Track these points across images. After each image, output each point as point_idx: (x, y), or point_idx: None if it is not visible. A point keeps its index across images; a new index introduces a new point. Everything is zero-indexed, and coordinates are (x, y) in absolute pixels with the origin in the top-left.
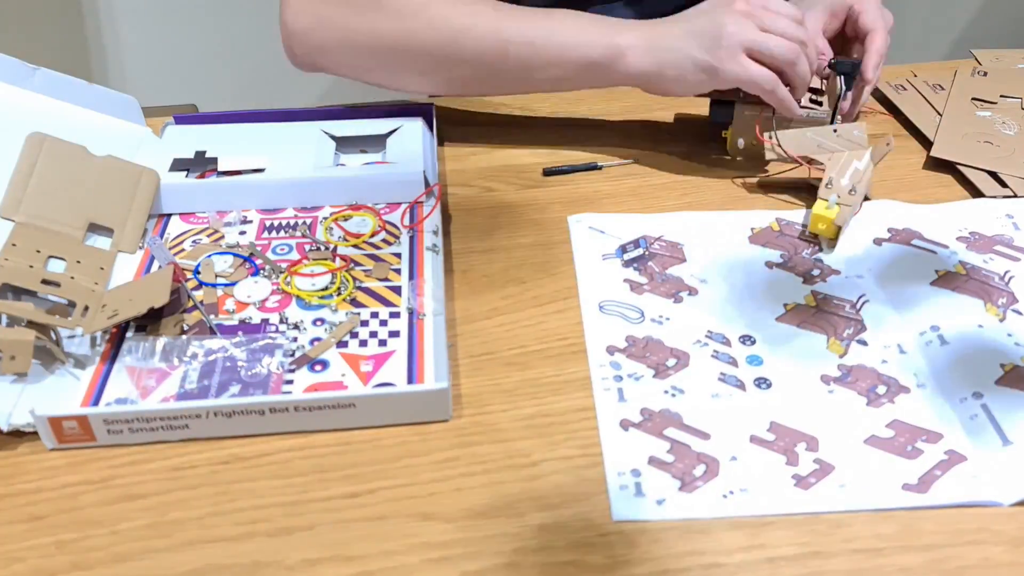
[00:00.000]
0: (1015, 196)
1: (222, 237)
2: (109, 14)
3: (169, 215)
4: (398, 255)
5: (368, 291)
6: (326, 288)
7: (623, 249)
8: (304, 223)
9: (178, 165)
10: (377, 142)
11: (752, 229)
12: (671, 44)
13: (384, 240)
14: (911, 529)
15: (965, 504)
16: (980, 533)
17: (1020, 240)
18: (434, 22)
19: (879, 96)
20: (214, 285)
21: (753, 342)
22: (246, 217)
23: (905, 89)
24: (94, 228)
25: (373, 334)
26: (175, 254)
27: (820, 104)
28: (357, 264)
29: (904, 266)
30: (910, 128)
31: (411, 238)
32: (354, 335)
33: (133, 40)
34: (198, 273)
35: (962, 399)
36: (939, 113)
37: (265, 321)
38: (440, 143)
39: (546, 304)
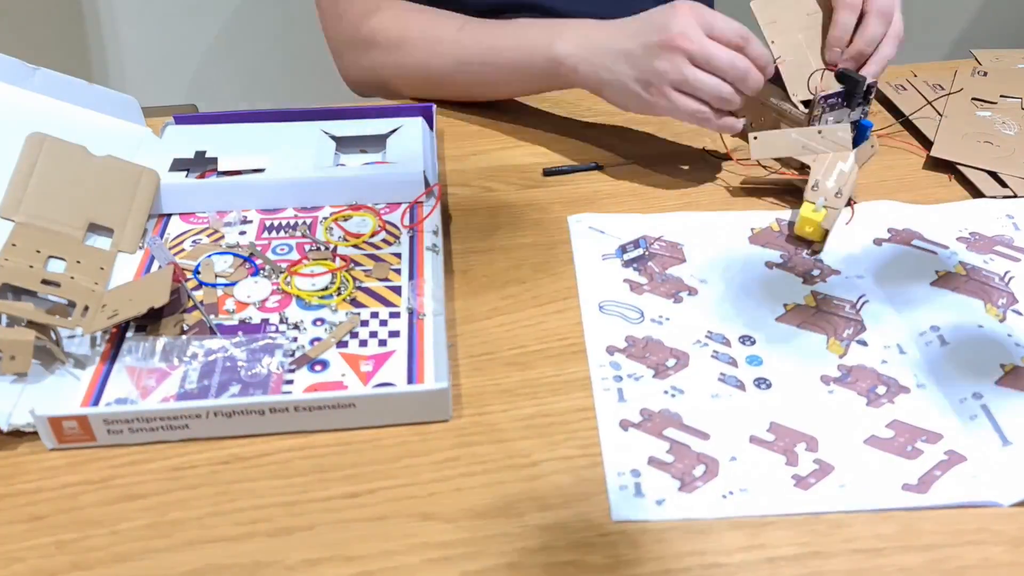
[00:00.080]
0: (1015, 196)
1: (222, 237)
2: (109, 14)
3: (169, 215)
4: (398, 255)
5: (368, 291)
6: (326, 288)
7: (623, 249)
8: (304, 223)
9: (178, 165)
10: (377, 142)
11: (752, 229)
12: (607, 63)
13: (384, 240)
14: (911, 529)
15: (965, 504)
16: (980, 533)
17: (1020, 240)
18: (408, 50)
19: (880, 97)
20: (214, 285)
21: (753, 342)
22: (246, 217)
23: (905, 89)
24: (94, 228)
25: (373, 334)
26: (175, 254)
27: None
28: (357, 264)
29: (904, 266)
30: (910, 128)
31: (411, 238)
32: (354, 335)
33: (133, 40)
34: (198, 273)
35: (962, 399)
36: (939, 113)
37: (265, 321)
38: (440, 143)
39: (546, 304)
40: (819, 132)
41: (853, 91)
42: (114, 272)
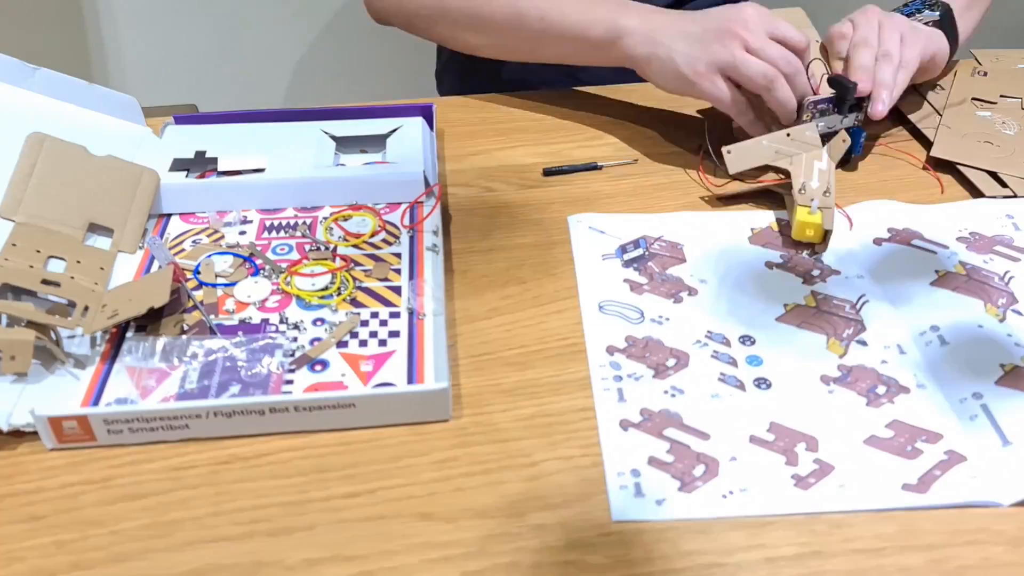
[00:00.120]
0: (1015, 196)
1: (222, 237)
2: (109, 14)
3: (169, 215)
4: (398, 255)
5: (368, 291)
6: (326, 288)
7: (623, 249)
8: (304, 223)
9: (178, 165)
10: (377, 142)
11: (752, 229)
12: (665, 40)
13: (384, 240)
14: (911, 529)
15: (964, 504)
16: (980, 533)
17: (1020, 240)
18: None
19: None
20: (214, 285)
21: (753, 342)
22: (246, 217)
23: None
24: (94, 228)
25: (373, 334)
26: (175, 254)
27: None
28: (357, 264)
29: (904, 266)
30: (910, 128)
31: (411, 238)
32: (354, 335)
33: (133, 40)
34: (198, 273)
35: (962, 399)
36: (939, 113)
37: (265, 321)
38: (440, 143)
39: (546, 304)
40: (788, 135)
41: (844, 97)
42: (114, 272)
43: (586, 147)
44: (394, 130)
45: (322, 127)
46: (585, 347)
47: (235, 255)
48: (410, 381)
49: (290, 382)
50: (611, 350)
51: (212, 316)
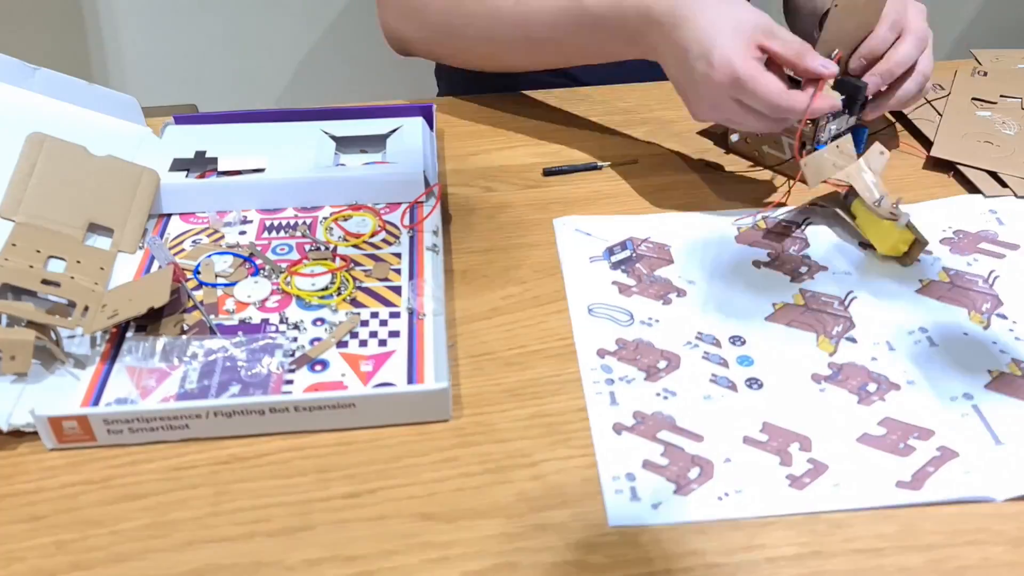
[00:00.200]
0: (1015, 196)
1: (222, 237)
2: (109, 14)
3: (169, 215)
4: (398, 255)
5: (368, 291)
6: (326, 288)
7: (610, 251)
8: (304, 223)
9: (178, 165)
10: (377, 142)
11: (738, 229)
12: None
13: (384, 240)
14: (911, 529)
15: (959, 500)
16: (980, 533)
17: (1005, 235)
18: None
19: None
20: (214, 285)
21: (743, 342)
22: (246, 217)
23: None
24: (94, 228)
25: (373, 334)
26: (175, 254)
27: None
28: (357, 264)
29: (889, 272)
30: (910, 128)
31: (411, 238)
32: (354, 335)
33: (133, 40)
34: (198, 273)
35: (952, 397)
36: (939, 113)
37: (265, 321)
38: (440, 143)
39: (546, 304)
40: (836, 146)
41: (855, 97)
42: (114, 272)
43: (586, 147)
44: (394, 130)
45: (322, 127)
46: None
47: (235, 255)
48: (410, 381)
49: (290, 382)
50: (602, 353)
51: (212, 316)
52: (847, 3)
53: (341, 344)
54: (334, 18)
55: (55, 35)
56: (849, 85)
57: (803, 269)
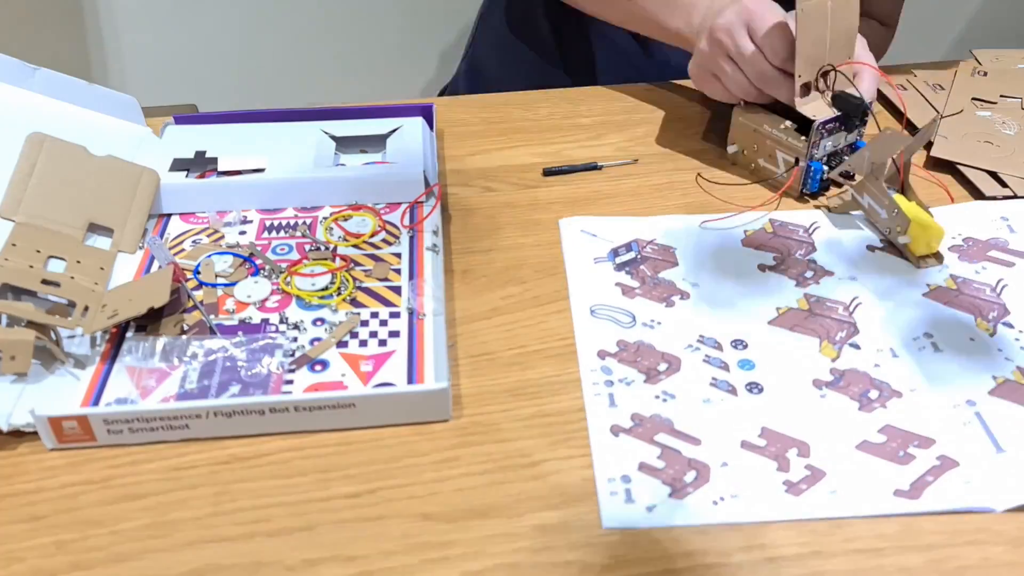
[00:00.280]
0: (1015, 196)
1: (222, 237)
2: (109, 14)
3: (169, 215)
4: (398, 255)
5: (368, 291)
6: (326, 288)
7: (615, 253)
8: (304, 223)
9: (178, 165)
10: (377, 142)
11: (745, 232)
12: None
13: (384, 240)
14: (911, 529)
15: (957, 511)
16: (980, 533)
17: (1015, 243)
18: None
19: (881, 97)
20: (214, 285)
21: (745, 346)
22: (246, 217)
23: (905, 89)
24: (94, 228)
25: (373, 334)
26: (175, 254)
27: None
28: (357, 264)
29: (896, 276)
30: (910, 129)
31: (411, 238)
32: (354, 335)
33: (133, 40)
34: (198, 273)
35: (955, 405)
36: (939, 113)
37: (265, 321)
38: (440, 143)
39: (546, 304)
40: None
41: (851, 113)
42: (114, 272)
43: (586, 147)
44: (394, 130)
45: (322, 127)
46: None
47: (235, 255)
48: (410, 381)
49: (290, 382)
50: (602, 354)
51: (212, 316)
52: (812, 7)
53: (341, 344)
54: (334, 18)
55: (55, 35)
56: (847, 101)
57: (808, 274)
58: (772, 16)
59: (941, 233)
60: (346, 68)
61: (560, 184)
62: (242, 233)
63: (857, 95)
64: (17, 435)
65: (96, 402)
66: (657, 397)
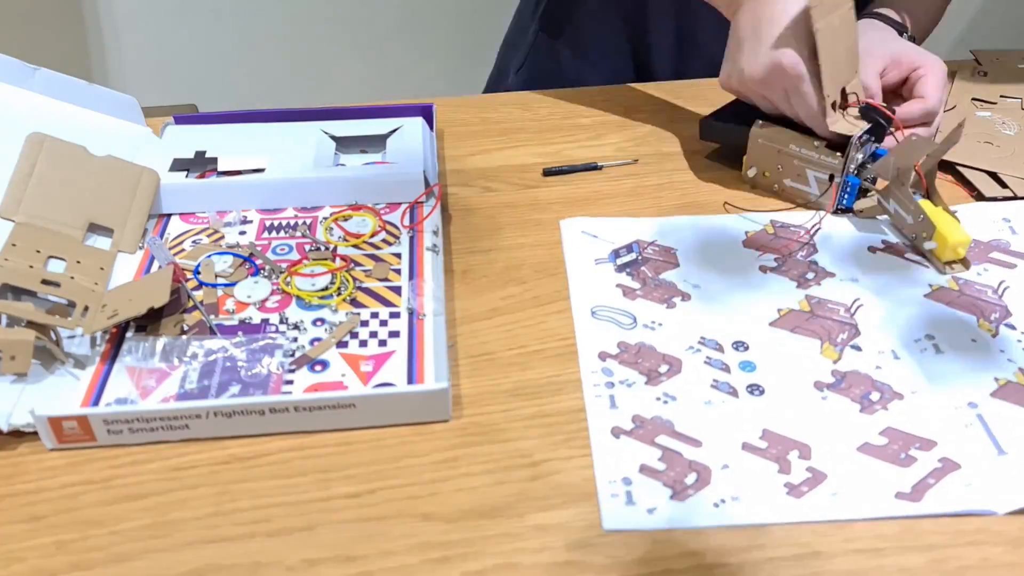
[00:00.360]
0: (1015, 196)
1: (222, 237)
2: (109, 14)
3: (169, 215)
4: (398, 255)
5: (368, 291)
6: (326, 288)
7: (616, 254)
8: (304, 223)
9: (178, 165)
10: (377, 142)
11: (746, 233)
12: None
13: (384, 240)
14: (911, 530)
15: (959, 513)
16: (980, 534)
17: (1017, 244)
18: None
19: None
20: (214, 285)
21: (746, 348)
22: (246, 217)
23: None
24: (94, 228)
25: (373, 334)
26: (175, 254)
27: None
28: (357, 264)
29: (898, 277)
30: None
31: (411, 238)
32: (354, 335)
33: (133, 40)
34: (198, 273)
35: (956, 407)
36: (964, 118)
37: (265, 321)
38: (440, 143)
39: (546, 304)
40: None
41: (884, 126)
42: (114, 272)
43: (586, 147)
44: (394, 130)
45: (322, 127)
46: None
47: (235, 255)
48: (410, 381)
49: (290, 382)
50: (603, 356)
51: (212, 316)
52: (827, 27)
53: (341, 344)
54: (334, 18)
55: (55, 35)
56: (877, 113)
57: (810, 275)
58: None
59: (967, 239)
60: (347, 68)
61: (560, 184)
62: (242, 233)
63: (882, 105)
64: (17, 435)
65: (96, 402)
66: (658, 399)
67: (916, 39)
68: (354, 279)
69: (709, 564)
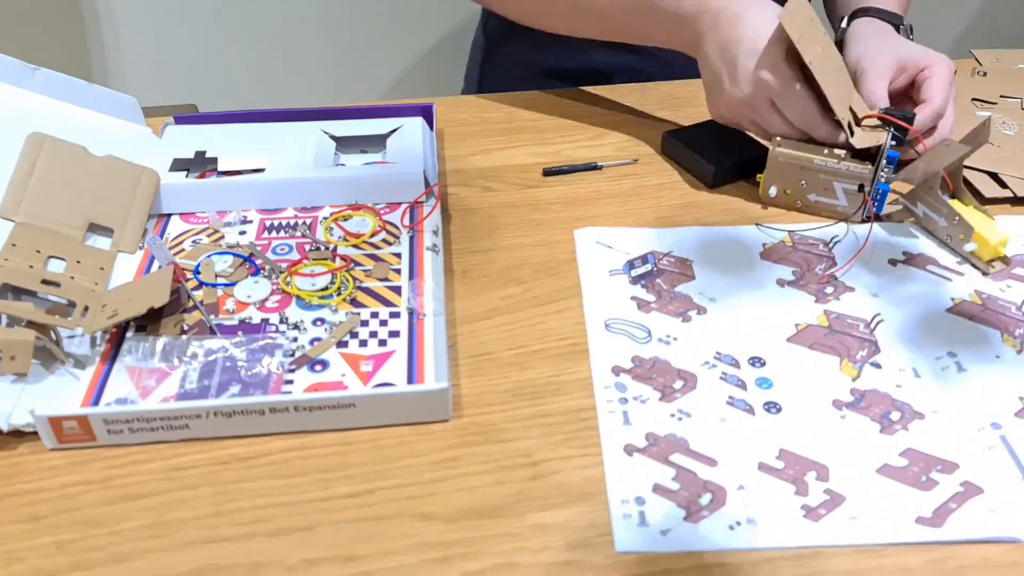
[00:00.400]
0: (1016, 197)
1: (222, 237)
2: (109, 14)
3: (169, 215)
4: (398, 255)
5: (368, 291)
6: (326, 288)
7: (631, 265)
8: (304, 223)
9: (178, 165)
10: (377, 142)
11: (764, 245)
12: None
13: (384, 240)
14: None
15: (982, 540)
16: None
17: None
18: None
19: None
20: (214, 285)
21: (763, 364)
22: (246, 217)
23: None
24: (94, 228)
25: (373, 334)
26: (175, 254)
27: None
28: (357, 264)
29: (919, 291)
30: None
31: (411, 238)
32: (354, 335)
33: (133, 40)
34: (198, 273)
35: (979, 428)
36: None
37: (265, 321)
38: (440, 143)
39: (546, 304)
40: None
41: (905, 130)
42: (114, 272)
43: (586, 147)
44: (394, 130)
45: (322, 127)
46: (585, 347)
47: (235, 255)
48: (410, 381)
49: (290, 382)
50: (617, 370)
51: (212, 316)
52: (815, 57)
53: (341, 344)
54: (334, 18)
55: (55, 35)
56: (898, 116)
57: (829, 289)
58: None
59: (1007, 237)
60: (346, 68)
61: (560, 184)
62: (242, 233)
63: (902, 110)
64: (17, 435)
65: (96, 402)
66: (672, 415)
67: (909, 25)
68: (354, 279)
69: (708, 563)
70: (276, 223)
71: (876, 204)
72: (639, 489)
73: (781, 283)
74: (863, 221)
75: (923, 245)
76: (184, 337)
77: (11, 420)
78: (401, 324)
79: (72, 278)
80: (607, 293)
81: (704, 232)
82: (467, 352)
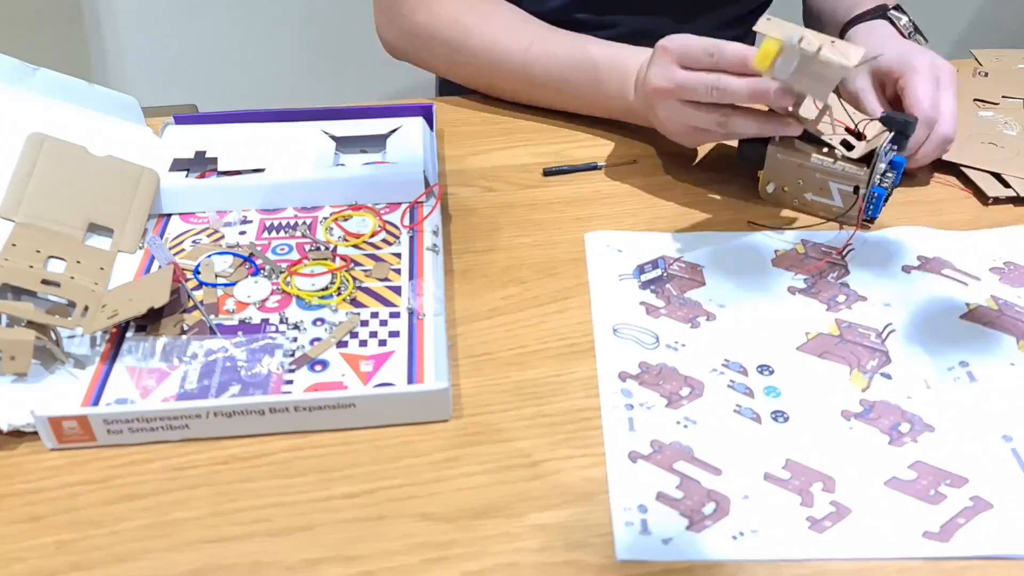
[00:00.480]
0: (1018, 197)
1: (222, 237)
2: (109, 14)
3: (169, 215)
4: (398, 255)
5: (368, 291)
6: (326, 288)
7: (641, 269)
8: (304, 223)
9: (178, 165)
10: (377, 142)
11: (775, 252)
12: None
13: (384, 240)
14: None
15: (990, 557)
16: None
17: None
18: (468, 58)
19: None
20: (214, 285)
21: (771, 372)
22: (246, 217)
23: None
24: (94, 228)
25: (373, 334)
26: (175, 254)
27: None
28: (357, 264)
29: (933, 297)
30: None
31: (411, 238)
32: (354, 335)
33: (133, 40)
34: (198, 273)
35: (990, 441)
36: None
37: (265, 321)
38: (440, 143)
39: (546, 304)
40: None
41: (903, 132)
42: (114, 272)
43: (586, 147)
44: (394, 130)
45: (322, 127)
46: (589, 346)
47: (235, 255)
48: (410, 381)
49: (290, 382)
50: (623, 376)
51: (212, 316)
52: (793, 79)
53: (341, 344)
54: (334, 18)
55: (55, 35)
56: (898, 121)
57: (840, 298)
58: (688, 38)
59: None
60: (346, 68)
61: (560, 184)
62: (242, 233)
63: (903, 114)
64: (17, 435)
65: (96, 402)
66: (678, 423)
67: (912, 23)
68: (354, 279)
69: (708, 563)
70: (276, 223)
71: (871, 207)
72: (642, 497)
73: (792, 291)
74: (863, 224)
75: (938, 248)
76: (184, 337)
77: (11, 420)
78: (401, 324)
79: (72, 278)
80: (616, 297)
81: (715, 238)
82: (467, 352)
